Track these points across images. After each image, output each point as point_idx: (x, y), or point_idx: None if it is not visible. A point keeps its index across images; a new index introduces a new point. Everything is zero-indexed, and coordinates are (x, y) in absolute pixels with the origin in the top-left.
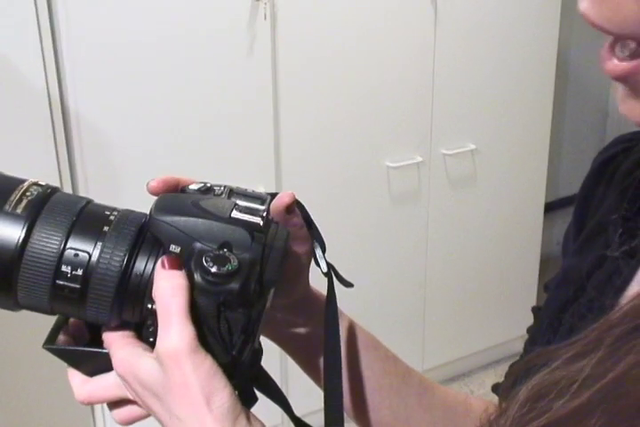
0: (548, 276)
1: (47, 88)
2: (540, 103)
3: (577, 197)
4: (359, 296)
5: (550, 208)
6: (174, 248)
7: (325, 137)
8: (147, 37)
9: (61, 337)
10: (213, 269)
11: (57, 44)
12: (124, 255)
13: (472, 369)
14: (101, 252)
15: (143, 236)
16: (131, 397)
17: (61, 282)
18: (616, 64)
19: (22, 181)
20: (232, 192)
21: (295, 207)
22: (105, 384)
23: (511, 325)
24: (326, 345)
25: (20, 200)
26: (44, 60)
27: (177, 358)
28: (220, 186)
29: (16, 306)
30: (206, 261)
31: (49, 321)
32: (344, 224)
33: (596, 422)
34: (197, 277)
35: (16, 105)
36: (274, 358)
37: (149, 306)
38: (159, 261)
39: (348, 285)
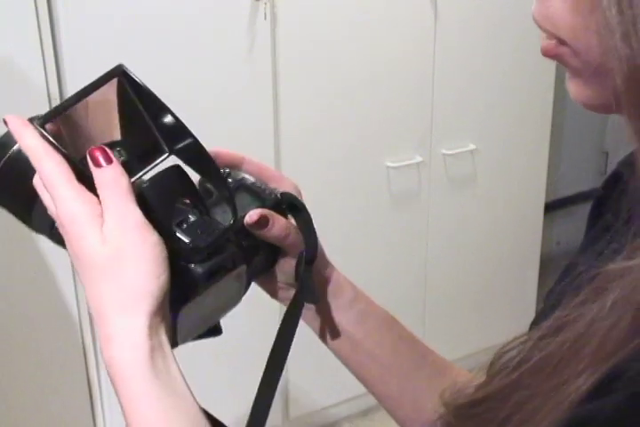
0: (548, 276)
1: (47, 87)
2: (540, 103)
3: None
4: None
5: (550, 208)
6: None
7: (325, 137)
8: (146, 37)
9: (51, 126)
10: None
11: (57, 42)
12: None
13: (472, 369)
14: None
15: None
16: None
17: None
18: (544, 42)
19: None
20: (240, 187)
21: (270, 219)
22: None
23: (511, 324)
24: (275, 345)
25: None
26: (43, 58)
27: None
28: (239, 176)
29: None
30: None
31: (49, 323)
32: (344, 224)
33: (519, 398)
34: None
35: (15, 104)
36: None
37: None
38: (87, 156)
39: (312, 301)
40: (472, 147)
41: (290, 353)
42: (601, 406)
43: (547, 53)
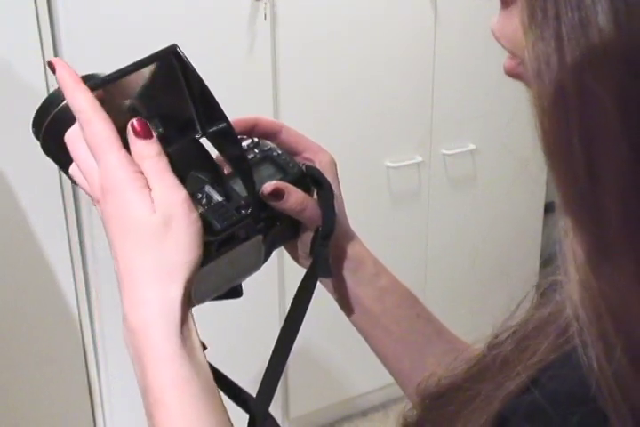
0: (548, 276)
1: (47, 87)
2: None
3: None
4: None
5: (550, 208)
6: None
7: (325, 137)
8: (147, 37)
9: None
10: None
11: (57, 42)
12: None
13: None
14: None
15: None
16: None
17: None
18: (506, 61)
19: None
20: (266, 159)
21: (286, 192)
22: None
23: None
24: (286, 322)
25: None
26: (43, 58)
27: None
28: (266, 147)
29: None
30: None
31: (48, 322)
32: None
33: (465, 397)
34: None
35: (15, 104)
36: None
37: None
38: (129, 127)
39: (326, 275)
40: (472, 147)
41: (290, 353)
42: (518, 402)
43: (508, 73)
